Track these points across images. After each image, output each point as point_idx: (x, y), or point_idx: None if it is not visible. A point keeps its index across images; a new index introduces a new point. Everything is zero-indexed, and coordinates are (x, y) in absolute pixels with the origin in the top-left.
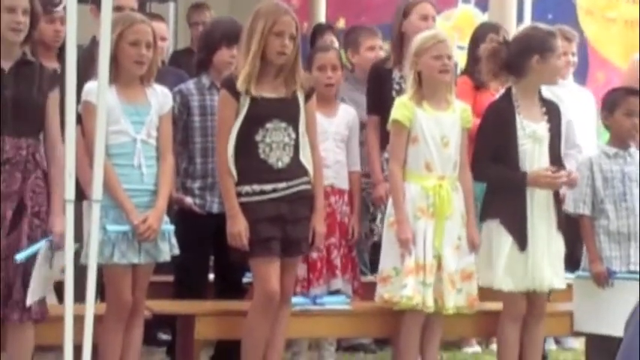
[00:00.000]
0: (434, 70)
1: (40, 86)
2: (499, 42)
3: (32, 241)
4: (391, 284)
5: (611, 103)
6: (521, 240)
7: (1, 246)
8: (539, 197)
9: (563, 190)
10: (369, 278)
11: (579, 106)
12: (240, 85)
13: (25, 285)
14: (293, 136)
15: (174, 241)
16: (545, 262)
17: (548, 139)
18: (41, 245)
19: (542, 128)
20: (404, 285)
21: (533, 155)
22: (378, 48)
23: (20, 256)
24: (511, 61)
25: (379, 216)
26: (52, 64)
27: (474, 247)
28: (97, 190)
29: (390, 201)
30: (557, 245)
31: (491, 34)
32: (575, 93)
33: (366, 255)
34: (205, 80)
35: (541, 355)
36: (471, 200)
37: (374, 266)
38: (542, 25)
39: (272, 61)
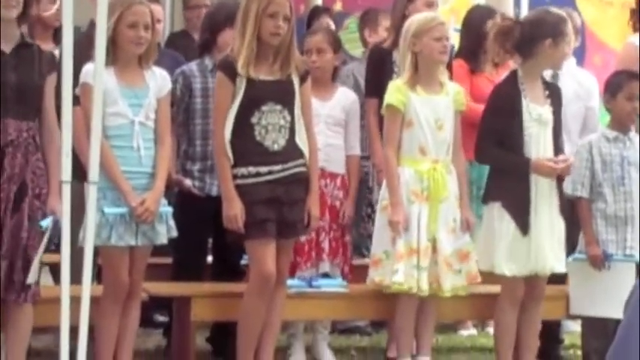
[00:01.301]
0: (434, 52)
1: (40, 69)
2: (512, 20)
3: (32, 222)
4: (382, 267)
5: (614, 87)
6: (523, 224)
7: (4, 228)
8: (542, 181)
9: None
10: (366, 261)
11: (582, 88)
12: (240, 67)
13: (26, 266)
14: (288, 118)
15: (171, 223)
16: (547, 246)
17: (552, 122)
18: (49, 222)
19: (547, 112)
20: (395, 270)
21: (538, 139)
22: None
23: (44, 223)
24: (522, 42)
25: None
26: (48, 45)
27: (468, 227)
28: (93, 172)
29: (384, 185)
30: (559, 229)
31: (503, 13)
32: (578, 75)
33: (368, 239)
34: (208, 62)
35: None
36: (464, 182)
37: None
38: (554, 10)
39: (267, 43)
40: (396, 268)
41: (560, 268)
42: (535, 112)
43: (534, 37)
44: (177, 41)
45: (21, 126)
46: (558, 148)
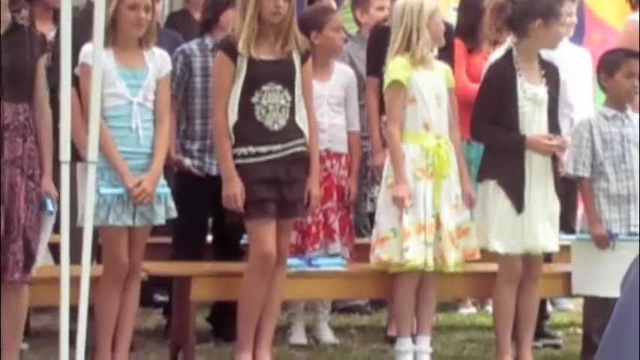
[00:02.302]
0: (441, 33)
1: (32, 51)
2: (504, 0)
3: (28, 203)
4: (389, 245)
5: (611, 65)
6: (518, 202)
7: (3, 209)
8: (537, 160)
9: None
10: (365, 240)
11: (575, 66)
12: (241, 47)
13: (27, 246)
14: (289, 98)
15: (170, 203)
16: (540, 224)
17: (547, 101)
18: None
19: (542, 91)
20: (405, 248)
21: (533, 118)
22: (386, 8)
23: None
24: (514, 20)
25: (377, 187)
26: (48, 26)
27: (471, 203)
28: (92, 152)
29: (388, 162)
30: (553, 208)
31: None
32: (571, 53)
33: (366, 218)
34: (208, 41)
35: (537, 316)
36: (462, 159)
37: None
38: None
39: (268, 22)
40: (406, 246)
41: (553, 247)
42: (530, 91)
43: (525, 17)
44: (177, 21)
45: (17, 109)
46: (554, 128)
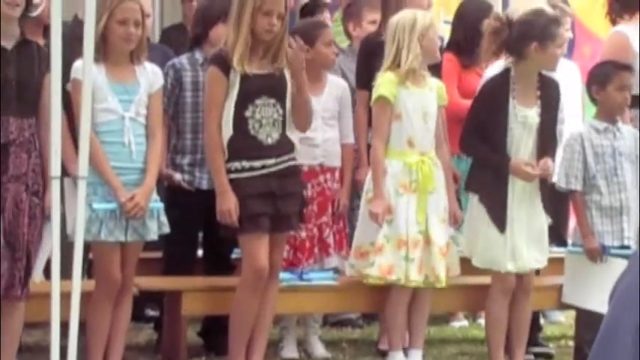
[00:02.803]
0: (435, 49)
1: (40, 67)
2: (502, 22)
3: (31, 219)
4: (368, 259)
5: (603, 77)
6: (500, 222)
7: (7, 226)
8: (524, 186)
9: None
10: None
11: (564, 79)
12: (236, 63)
13: (27, 261)
14: (281, 112)
15: (163, 219)
16: (524, 244)
17: (539, 123)
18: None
19: (534, 115)
20: (371, 262)
21: (520, 141)
22: (378, 22)
23: None
24: (511, 43)
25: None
26: (38, 41)
27: (456, 221)
28: (82, 167)
29: (370, 176)
30: (540, 225)
31: (496, 12)
32: (560, 66)
33: None
34: (199, 56)
35: (529, 329)
36: (450, 175)
37: None
38: (546, 11)
39: (260, 38)
40: (372, 261)
41: (539, 264)
42: (521, 114)
43: (522, 40)
44: (171, 35)
45: (22, 124)
46: (544, 152)
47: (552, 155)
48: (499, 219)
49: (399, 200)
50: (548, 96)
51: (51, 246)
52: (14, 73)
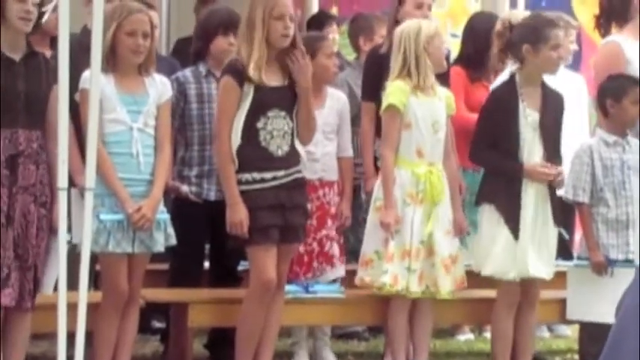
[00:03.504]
0: (442, 57)
1: (47, 78)
2: (504, 25)
3: (39, 231)
4: (372, 268)
5: (618, 91)
6: (515, 229)
7: (16, 238)
8: (534, 187)
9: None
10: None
11: (570, 91)
12: (252, 72)
13: (34, 273)
14: (291, 124)
15: (170, 230)
16: (532, 251)
17: (545, 129)
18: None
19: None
20: (385, 270)
21: (533, 145)
22: None
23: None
24: (509, 46)
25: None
26: (45, 53)
27: (461, 231)
28: (90, 178)
29: (378, 184)
30: (549, 237)
31: (504, 17)
32: (566, 78)
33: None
34: (202, 68)
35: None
36: (456, 186)
37: None
38: (543, 14)
39: (274, 46)
40: (385, 269)
41: (546, 274)
42: (531, 117)
43: (517, 42)
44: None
45: (30, 136)
46: (552, 156)
47: (560, 163)
48: (514, 225)
49: (406, 210)
50: (552, 106)
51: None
52: (23, 85)
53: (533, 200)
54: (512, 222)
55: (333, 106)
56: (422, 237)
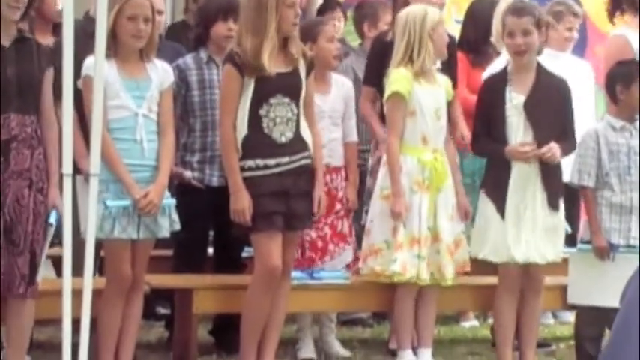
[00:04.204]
0: (444, 45)
1: (39, 63)
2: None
3: (37, 217)
4: (382, 257)
5: (627, 77)
6: (501, 209)
7: (7, 222)
8: (523, 170)
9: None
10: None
11: (576, 78)
12: (267, 63)
13: (32, 259)
14: (295, 111)
15: (174, 216)
16: (524, 235)
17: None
18: (56, 218)
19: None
20: (394, 259)
21: (518, 127)
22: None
23: (52, 219)
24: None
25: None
26: (47, 39)
27: (466, 216)
28: (94, 165)
29: (383, 173)
30: (546, 221)
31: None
32: (572, 65)
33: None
34: (203, 54)
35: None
36: (457, 171)
37: None
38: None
39: (284, 34)
40: (395, 258)
41: (541, 259)
42: (516, 100)
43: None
44: (179, 32)
45: (24, 120)
46: (544, 138)
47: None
48: (500, 205)
49: (413, 198)
50: (540, 87)
51: (49, 243)
52: (13, 70)
53: (522, 183)
54: (499, 205)
55: (339, 92)
56: (428, 224)
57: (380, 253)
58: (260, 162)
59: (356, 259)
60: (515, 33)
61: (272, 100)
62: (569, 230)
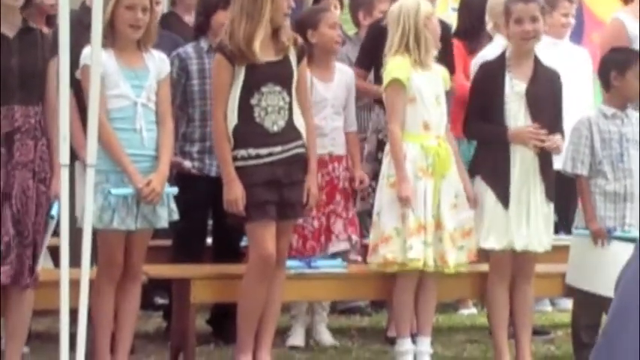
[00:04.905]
0: (437, 35)
1: (43, 54)
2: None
3: (38, 207)
4: (393, 244)
5: (622, 64)
6: (503, 197)
7: (16, 213)
8: (523, 157)
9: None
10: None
11: (574, 65)
12: (258, 52)
13: (34, 251)
14: (287, 99)
15: (173, 205)
16: (524, 222)
17: (528, 97)
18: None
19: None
20: (409, 247)
21: (518, 113)
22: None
23: (54, 211)
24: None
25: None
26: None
27: (475, 203)
28: (91, 155)
29: (388, 161)
30: (543, 210)
31: None
32: (570, 52)
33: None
34: (204, 44)
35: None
36: (458, 158)
37: None
38: None
39: (276, 23)
40: (410, 245)
41: (540, 247)
42: (518, 87)
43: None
44: (170, 22)
45: (27, 112)
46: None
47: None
48: (503, 194)
49: (418, 184)
50: (540, 76)
51: (50, 234)
52: (17, 61)
53: (523, 171)
54: (501, 191)
55: (341, 80)
56: (432, 210)
57: (390, 241)
58: (252, 151)
59: (362, 246)
60: (523, 19)
61: (263, 89)
62: (556, 219)
